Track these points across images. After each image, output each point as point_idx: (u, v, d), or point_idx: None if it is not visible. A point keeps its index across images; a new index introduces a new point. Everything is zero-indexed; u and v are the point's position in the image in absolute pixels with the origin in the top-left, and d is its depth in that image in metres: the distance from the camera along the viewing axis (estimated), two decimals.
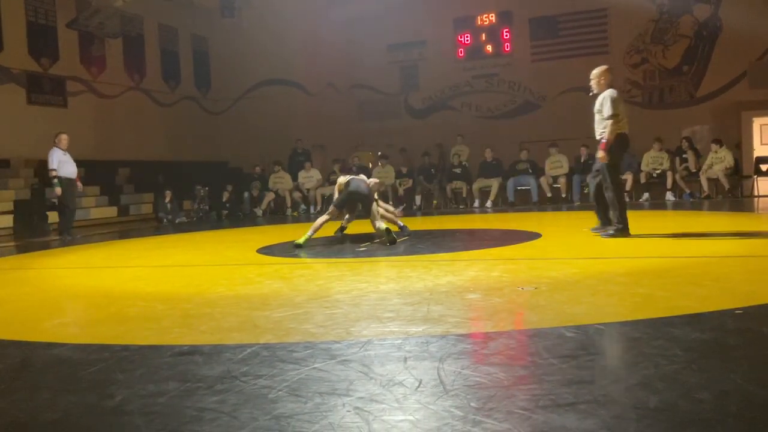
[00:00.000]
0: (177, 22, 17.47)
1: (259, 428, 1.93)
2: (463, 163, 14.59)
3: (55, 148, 9.98)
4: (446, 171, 14.67)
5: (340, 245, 7.03)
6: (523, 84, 16.14)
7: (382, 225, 6.65)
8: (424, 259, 5.70)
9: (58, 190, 9.97)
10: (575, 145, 13.54)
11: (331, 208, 7.11)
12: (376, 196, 7.35)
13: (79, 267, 6.78)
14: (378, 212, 6.88)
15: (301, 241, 6.71)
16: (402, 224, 7.63)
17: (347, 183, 7.09)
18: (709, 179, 12.11)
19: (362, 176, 7.36)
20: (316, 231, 6.88)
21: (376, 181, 7.73)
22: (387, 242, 6.50)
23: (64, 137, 10.08)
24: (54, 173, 9.97)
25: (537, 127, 15.42)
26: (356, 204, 7.09)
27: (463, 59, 16.60)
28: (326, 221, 6.98)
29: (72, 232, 10.07)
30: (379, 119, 17.13)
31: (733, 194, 11.91)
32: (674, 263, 4.82)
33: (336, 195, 7.33)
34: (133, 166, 15.77)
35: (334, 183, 14.46)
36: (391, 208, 7.90)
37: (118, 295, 4.66)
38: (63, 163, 9.96)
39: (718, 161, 12.18)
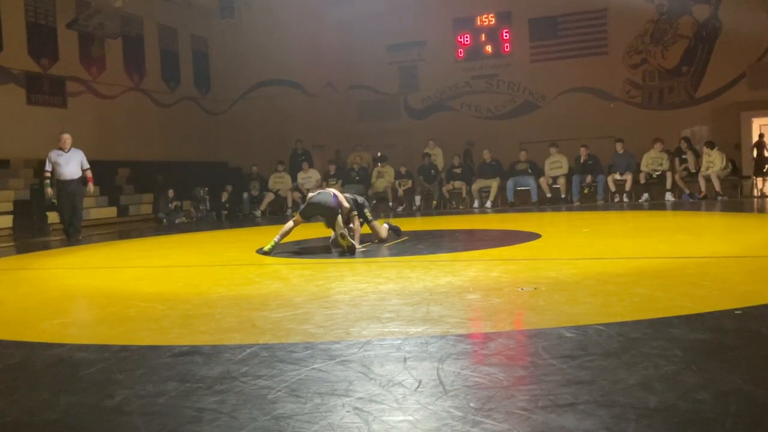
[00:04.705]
0: (176, 23, 17.48)
1: (258, 428, 1.93)
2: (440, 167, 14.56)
3: (53, 149, 9.88)
4: (473, 170, 14.49)
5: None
6: (522, 84, 16.16)
7: (343, 238, 6.27)
8: (423, 259, 5.70)
9: (48, 192, 9.84)
10: (575, 145, 13.56)
11: (297, 215, 6.93)
12: (368, 213, 7.05)
13: (79, 267, 6.78)
14: (341, 226, 6.44)
15: (267, 248, 6.51)
16: (390, 229, 7.32)
17: (314, 194, 6.85)
18: (707, 180, 12.12)
19: (331, 191, 6.89)
20: (283, 237, 6.71)
21: (347, 196, 6.92)
22: (345, 251, 6.18)
23: (62, 137, 9.91)
24: (45, 175, 9.88)
25: (536, 127, 15.44)
26: (318, 214, 6.76)
27: (462, 60, 16.62)
28: (292, 228, 6.77)
29: (70, 233, 9.90)
30: (378, 120, 17.14)
31: (724, 196, 11.86)
32: (673, 264, 4.83)
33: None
34: (132, 166, 15.77)
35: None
36: (382, 229, 7.19)
37: (118, 295, 4.66)
38: (57, 165, 9.76)
39: (710, 164, 12.16)
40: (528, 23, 16.02)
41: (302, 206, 7.01)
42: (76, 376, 2.60)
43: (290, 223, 6.82)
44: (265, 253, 6.48)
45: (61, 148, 9.86)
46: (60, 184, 9.81)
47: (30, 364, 2.89)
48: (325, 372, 2.43)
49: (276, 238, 6.64)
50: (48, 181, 9.90)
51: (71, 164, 9.88)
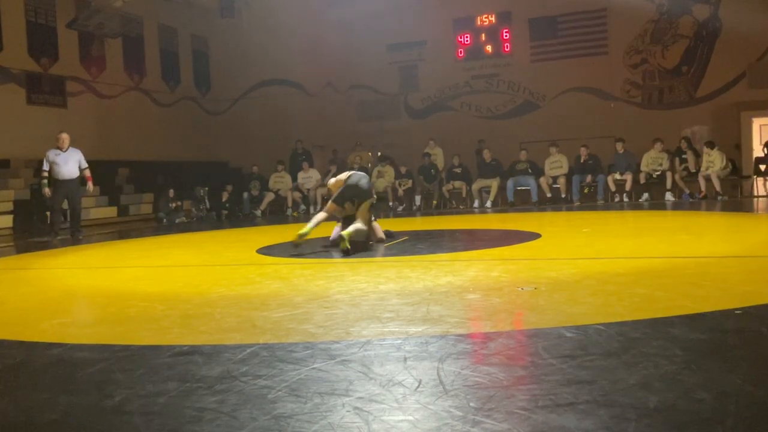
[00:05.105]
0: (177, 23, 17.48)
1: (258, 428, 1.93)
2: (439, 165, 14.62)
3: (51, 148, 9.81)
4: (481, 168, 14.46)
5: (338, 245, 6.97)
6: (522, 84, 16.16)
7: (358, 227, 6.25)
8: (423, 259, 5.70)
9: (46, 191, 9.77)
10: (575, 145, 13.56)
11: (329, 204, 6.69)
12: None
13: (79, 267, 6.78)
14: (366, 219, 6.49)
15: (302, 232, 6.35)
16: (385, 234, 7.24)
17: (348, 177, 6.72)
18: (707, 180, 12.12)
19: (361, 173, 6.95)
20: (316, 225, 6.52)
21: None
22: (342, 249, 6.05)
23: (60, 136, 9.84)
24: (43, 174, 9.83)
25: (536, 127, 15.44)
26: (353, 200, 6.58)
27: (462, 59, 16.61)
28: (323, 219, 6.64)
29: (54, 234, 9.74)
30: (378, 119, 17.14)
31: (724, 196, 11.87)
32: (673, 263, 4.83)
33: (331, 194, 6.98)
34: (132, 166, 15.77)
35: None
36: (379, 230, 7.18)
37: (118, 295, 4.66)
38: (55, 164, 9.70)
39: (710, 164, 12.17)
40: (528, 23, 16.02)
41: (336, 193, 6.63)
42: (76, 375, 2.60)
43: (322, 214, 6.60)
44: (298, 240, 6.32)
45: (59, 148, 9.78)
46: (58, 184, 9.74)
47: (30, 364, 2.89)
48: (325, 372, 2.43)
49: (310, 225, 6.41)
50: (45, 180, 9.82)
51: (69, 164, 9.81)
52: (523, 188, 13.70)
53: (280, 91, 17.75)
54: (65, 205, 10.13)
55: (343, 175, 6.90)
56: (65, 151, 9.80)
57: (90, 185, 10.19)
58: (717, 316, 3.01)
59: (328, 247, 6.68)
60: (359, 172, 6.91)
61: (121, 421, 2.07)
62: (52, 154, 9.77)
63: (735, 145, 14.17)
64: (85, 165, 10.02)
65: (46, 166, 9.80)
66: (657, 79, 15.19)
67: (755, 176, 13.07)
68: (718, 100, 14.60)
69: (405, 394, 2.15)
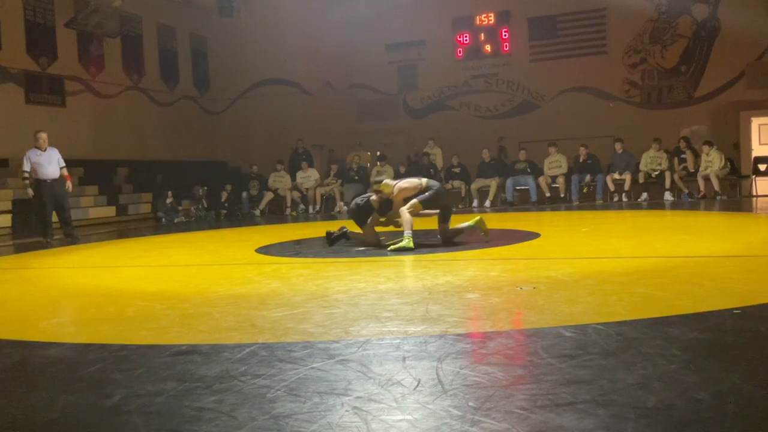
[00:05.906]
0: (175, 22, 17.47)
1: (257, 428, 1.93)
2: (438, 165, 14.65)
3: (31, 149, 9.55)
4: (507, 165, 14.31)
5: (339, 245, 6.97)
6: (521, 84, 16.16)
7: (465, 224, 6.67)
8: (422, 258, 5.70)
9: (29, 192, 9.53)
10: (574, 144, 13.56)
11: (415, 203, 6.34)
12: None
13: (78, 267, 6.77)
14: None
15: (410, 244, 6.14)
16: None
17: (427, 182, 6.54)
18: (705, 180, 12.12)
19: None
20: (411, 227, 6.35)
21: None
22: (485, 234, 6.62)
23: (39, 136, 9.54)
24: (24, 175, 9.57)
25: (536, 127, 15.44)
26: (440, 203, 6.56)
27: (461, 59, 16.62)
28: (412, 220, 6.41)
29: (50, 235, 9.55)
30: (377, 119, 17.13)
31: (723, 196, 11.89)
32: (672, 263, 4.83)
33: (372, 197, 6.68)
34: (131, 165, 15.76)
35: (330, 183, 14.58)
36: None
37: (117, 294, 4.66)
38: (38, 165, 9.45)
39: (709, 164, 12.17)
40: (527, 22, 16.02)
41: (426, 196, 6.38)
42: (75, 375, 2.60)
43: (408, 216, 6.33)
44: (407, 249, 6.16)
45: (38, 147, 9.51)
46: (43, 184, 9.46)
47: (29, 364, 2.89)
48: (324, 371, 2.43)
49: (408, 232, 6.25)
50: (27, 181, 9.57)
51: (53, 163, 9.57)
52: (522, 188, 13.70)
53: (280, 91, 17.74)
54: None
55: (409, 182, 6.63)
56: (45, 151, 9.54)
57: (69, 184, 9.96)
58: (716, 316, 3.01)
59: (328, 246, 6.69)
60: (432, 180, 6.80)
61: (119, 421, 2.07)
62: (33, 155, 9.48)
63: (734, 145, 14.18)
64: (63, 164, 9.74)
65: (27, 167, 9.49)
66: (656, 79, 15.20)
67: (754, 176, 13.07)
68: (717, 100, 14.61)
69: (404, 393, 2.15)
